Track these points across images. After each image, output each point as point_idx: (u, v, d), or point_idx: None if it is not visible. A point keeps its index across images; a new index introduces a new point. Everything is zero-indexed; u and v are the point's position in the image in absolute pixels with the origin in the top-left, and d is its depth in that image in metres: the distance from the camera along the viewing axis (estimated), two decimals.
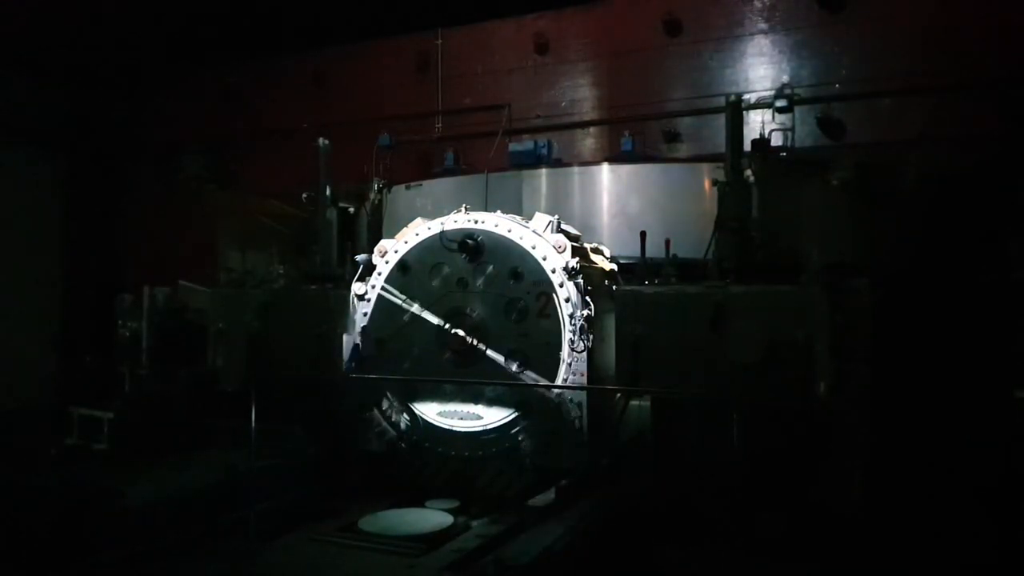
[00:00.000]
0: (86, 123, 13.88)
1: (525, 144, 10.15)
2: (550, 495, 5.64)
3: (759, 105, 10.03)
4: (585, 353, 5.86)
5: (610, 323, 6.18)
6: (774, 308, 5.79)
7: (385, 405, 6.40)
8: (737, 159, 7.27)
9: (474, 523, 5.52)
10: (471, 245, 6.19)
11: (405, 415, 6.33)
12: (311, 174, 9.18)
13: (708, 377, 5.85)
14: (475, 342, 6.11)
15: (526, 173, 9.09)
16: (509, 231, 6.18)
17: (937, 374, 7.87)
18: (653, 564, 5.47)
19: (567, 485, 5.74)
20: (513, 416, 6.00)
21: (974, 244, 8.68)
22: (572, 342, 5.86)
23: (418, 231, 6.49)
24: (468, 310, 6.22)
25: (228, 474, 5.95)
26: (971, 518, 6.35)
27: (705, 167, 8.36)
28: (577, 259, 6.03)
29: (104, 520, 5.30)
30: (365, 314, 6.51)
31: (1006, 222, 8.48)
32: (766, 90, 10.17)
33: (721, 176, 7.31)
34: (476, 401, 6.11)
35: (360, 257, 6.81)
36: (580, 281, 5.96)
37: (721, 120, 8.31)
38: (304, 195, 9.45)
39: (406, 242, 6.51)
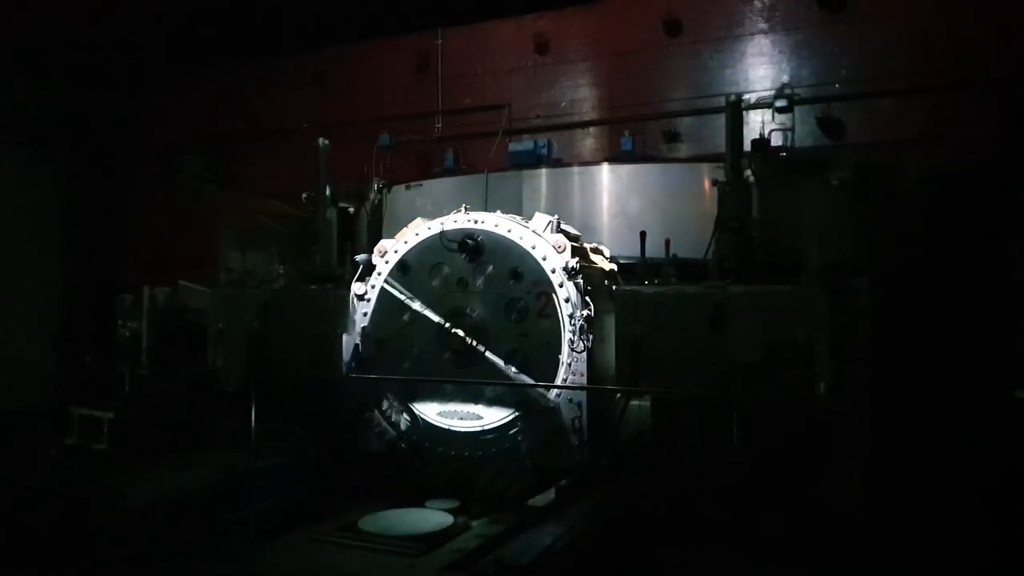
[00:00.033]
0: (86, 123, 13.86)
1: (525, 144, 10.16)
2: (550, 495, 5.63)
3: (759, 105, 10.03)
4: (585, 353, 5.86)
5: (610, 323, 6.18)
6: (774, 308, 5.80)
7: (385, 405, 6.40)
8: (737, 159, 7.28)
9: (474, 523, 5.51)
10: (471, 245, 6.19)
11: (405, 415, 6.33)
12: (311, 174, 9.19)
13: (708, 377, 5.86)
14: (474, 343, 6.11)
15: (526, 173, 9.09)
16: (509, 231, 6.18)
17: (937, 374, 7.86)
18: (653, 564, 5.45)
19: (567, 485, 5.73)
20: (513, 416, 6.01)
21: (974, 244, 8.68)
22: (572, 342, 5.86)
23: (418, 231, 6.49)
24: (468, 310, 6.22)
25: (228, 474, 5.96)
26: (971, 518, 6.34)
27: (705, 167, 8.36)
28: (577, 259, 6.03)
29: (104, 520, 5.30)
30: (365, 314, 6.51)
31: (1006, 222, 8.48)
32: (766, 90, 10.17)
33: (721, 176, 7.32)
34: (476, 401, 6.11)
35: (360, 257, 6.81)
36: (580, 281, 5.96)
37: (721, 120, 8.32)
38: (304, 195, 9.47)
39: (406, 242, 6.50)
